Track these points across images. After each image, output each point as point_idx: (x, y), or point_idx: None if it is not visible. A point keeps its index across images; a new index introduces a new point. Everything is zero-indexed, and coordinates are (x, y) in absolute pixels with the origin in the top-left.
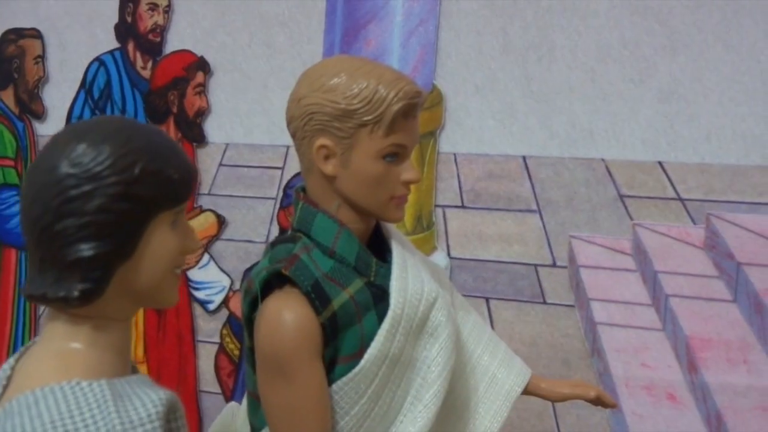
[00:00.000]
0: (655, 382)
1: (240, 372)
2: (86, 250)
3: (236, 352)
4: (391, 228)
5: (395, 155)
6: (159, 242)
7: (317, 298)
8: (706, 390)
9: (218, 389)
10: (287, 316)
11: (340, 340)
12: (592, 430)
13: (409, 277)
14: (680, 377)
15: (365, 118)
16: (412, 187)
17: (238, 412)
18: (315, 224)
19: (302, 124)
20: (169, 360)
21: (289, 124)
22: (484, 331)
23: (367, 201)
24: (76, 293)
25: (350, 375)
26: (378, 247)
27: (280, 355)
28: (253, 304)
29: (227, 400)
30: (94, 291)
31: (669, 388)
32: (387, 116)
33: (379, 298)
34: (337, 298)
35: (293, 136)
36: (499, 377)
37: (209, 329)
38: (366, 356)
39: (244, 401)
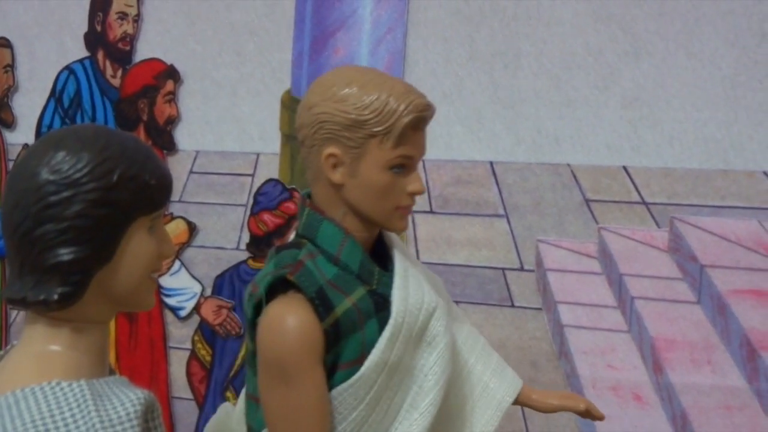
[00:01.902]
0: (621, 383)
1: (212, 377)
2: (66, 254)
3: (208, 358)
4: (393, 237)
5: (402, 166)
6: (137, 247)
7: (321, 304)
8: (671, 390)
9: (190, 395)
10: (291, 321)
11: (341, 347)
12: (560, 430)
13: (410, 287)
14: (646, 378)
15: (375, 129)
16: None
17: (232, 412)
18: (321, 231)
19: (312, 132)
20: (140, 366)
21: (298, 131)
22: (477, 340)
23: (373, 210)
24: (55, 297)
25: (350, 381)
26: (380, 255)
27: (282, 360)
28: (257, 308)
29: (199, 405)
30: (73, 294)
31: (635, 388)
32: (397, 128)
33: (381, 306)
34: (340, 305)
35: (302, 143)
36: (492, 386)
37: (181, 336)
38: (366, 363)
39: (239, 402)
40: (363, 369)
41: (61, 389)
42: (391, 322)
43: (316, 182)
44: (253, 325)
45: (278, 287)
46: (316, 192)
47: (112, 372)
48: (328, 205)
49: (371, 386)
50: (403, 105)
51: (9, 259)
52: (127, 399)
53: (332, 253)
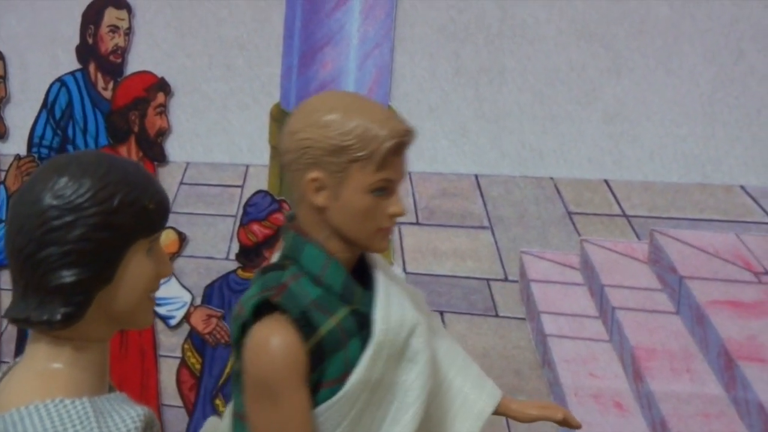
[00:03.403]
0: (602, 391)
1: (201, 385)
2: (68, 276)
3: (197, 366)
4: (375, 257)
5: (384, 189)
6: (136, 268)
7: (305, 325)
8: (651, 398)
9: (180, 403)
10: (276, 342)
11: (325, 366)
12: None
13: (392, 306)
14: (626, 386)
15: (358, 154)
16: None
17: (219, 426)
18: (304, 253)
19: (296, 157)
20: (131, 374)
21: (283, 155)
22: (457, 353)
23: (355, 232)
24: (58, 317)
25: (334, 399)
26: (361, 274)
27: (267, 379)
28: (242, 329)
29: (189, 413)
30: (75, 314)
31: (616, 396)
32: (378, 153)
33: (363, 324)
34: (323, 326)
35: (286, 167)
36: (471, 398)
37: (171, 344)
38: (350, 381)
39: (225, 416)
40: (346, 387)
41: (65, 406)
42: (374, 340)
43: (299, 205)
44: (239, 345)
45: (263, 309)
46: (300, 214)
47: (111, 389)
48: (312, 227)
49: (354, 403)
50: (385, 131)
51: (13, 280)
52: (128, 416)
53: (316, 273)
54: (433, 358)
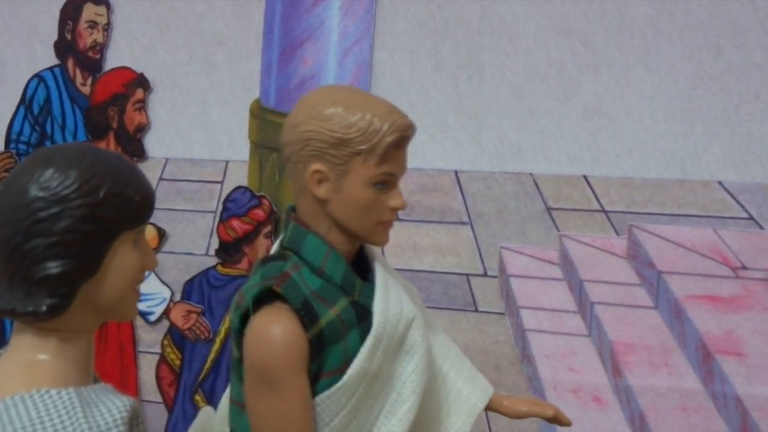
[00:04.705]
0: (581, 386)
1: (181, 381)
2: (54, 267)
3: (177, 362)
4: (374, 250)
5: (385, 183)
6: (121, 260)
7: (306, 315)
8: (629, 392)
9: (159, 399)
10: (277, 331)
11: (325, 356)
12: (522, 430)
13: (391, 298)
14: (605, 380)
15: (360, 148)
16: None
17: (213, 416)
18: (305, 244)
19: (298, 149)
20: (110, 370)
21: (284, 147)
22: (451, 348)
23: (356, 224)
24: (44, 308)
25: (333, 389)
26: (361, 267)
27: (268, 368)
28: (243, 318)
29: (168, 409)
30: (60, 306)
31: (595, 390)
32: (380, 147)
33: (362, 316)
34: (324, 316)
35: (287, 159)
36: (464, 393)
37: (150, 340)
38: (349, 372)
39: (220, 406)
40: (345, 377)
41: (50, 397)
42: (373, 332)
43: (301, 197)
44: (239, 334)
45: (264, 298)
46: (300, 206)
47: (96, 380)
48: (313, 219)
49: (353, 394)
50: (387, 125)
51: None
52: (114, 406)
53: (316, 265)
54: (429, 352)
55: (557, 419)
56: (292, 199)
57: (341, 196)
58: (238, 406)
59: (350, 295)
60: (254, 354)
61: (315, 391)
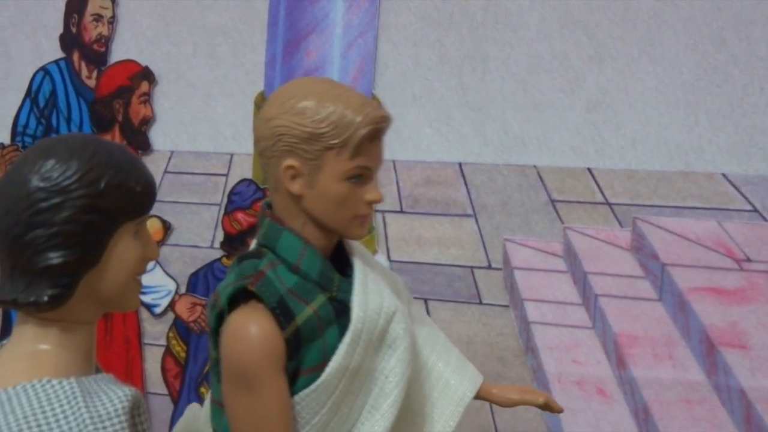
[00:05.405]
0: (585, 378)
1: (186, 373)
2: (55, 258)
3: (182, 355)
4: (354, 244)
5: (360, 177)
6: (123, 250)
7: (282, 314)
8: (633, 384)
9: (165, 390)
10: (253, 330)
11: (303, 354)
12: (527, 423)
13: (370, 293)
14: (609, 373)
15: (332, 142)
16: None
17: (199, 412)
18: (281, 241)
19: (271, 144)
20: (116, 362)
21: (257, 142)
22: (438, 338)
23: (332, 219)
24: (45, 298)
25: (312, 387)
26: (339, 261)
27: (245, 368)
28: (219, 318)
29: (174, 401)
30: (62, 296)
31: (599, 383)
32: (353, 140)
33: (341, 312)
34: (300, 314)
35: (261, 154)
36: (452, 383)
37: (155, 332)
38: (328, 369)
39: (206, 403)
40: (324, 375)
41: (52, 386)
42: (351, 328)
43: (275, 192)
44: (216, 333)
45: (240, 297)
46: (276, 202)
47: (98, 370)
48: (288, 214)
49: (333, 391)
50: (360, 117)
51: (0, 262)
52: (115, 396)
53: (292, 262)
54: (413, 345)
55: (548, 406)
56: None
57: (315, 191)
58: (218, 406)
59: (328, 291)
60: (230, 354)
61: (294, 390)
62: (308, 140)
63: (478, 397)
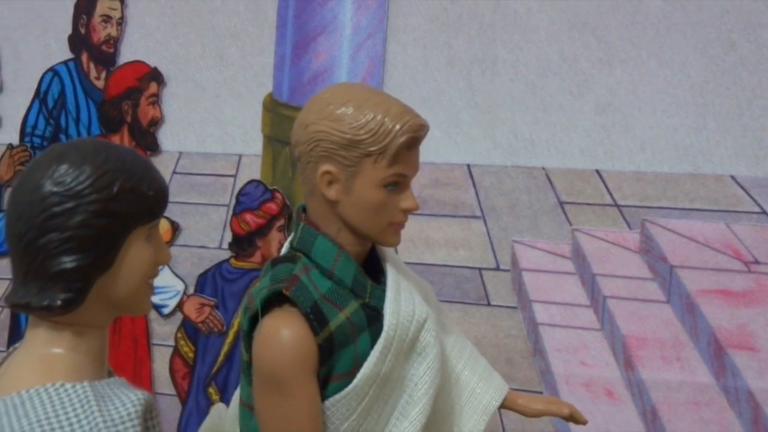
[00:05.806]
0: (593, 380)
1: (194, 374)
2: (68, 262)
3: (190, 355)
4: (387, 251)
5: (396, 184)
6: (135, 254)
7: (315, 319)
8: (641, 386)
9: (173, 391)
10: (286, 335)
11: (335, 360)
12: (534, 424)
13: (402, 300)
14: (617, 374)
15: (370, 149)
16: None
17: (225, 414)
18: (315, 246)
19: (308, 149)
20: (124, 363)
21: (294, 147)
22: (465, 346)
23: (367, 226)
24: (58, 302)
25: (343, 393)
26: (372, 268)
27: (277, 372)
28: (252, 321)
29: (182, 401)
30: (75, 300)
31: (607, 384)
32: (391, 148)
33: (373, 318)
34: (334, 320)
35: (298, 159)
36: (479, 392)
37: (164, 333)
38: (359, 375)
39: (231, 405)
40: (355, 381)
41: (65, 390)
42: (384, 335)
43: (311, 197)
44: (248, 336)
45: (274, 301)
46: (311, 207)
47: (110, 374)
48: (323, 220)
49: (363, 397)
50: (399, 125)
51: (13, 266)
52: (128, 399)
53: (326, 267)
54: (442, 353)
55: (573, 418)
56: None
57: (352, 198)
58: (247, 409)
59: (361, 298)
60: (263, 358)
61: (325, 395)
62: (346, 147)
63: (504, 406)
